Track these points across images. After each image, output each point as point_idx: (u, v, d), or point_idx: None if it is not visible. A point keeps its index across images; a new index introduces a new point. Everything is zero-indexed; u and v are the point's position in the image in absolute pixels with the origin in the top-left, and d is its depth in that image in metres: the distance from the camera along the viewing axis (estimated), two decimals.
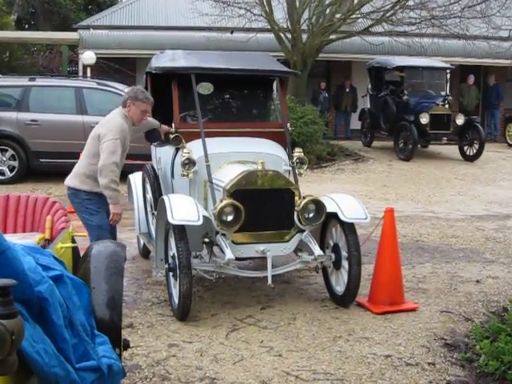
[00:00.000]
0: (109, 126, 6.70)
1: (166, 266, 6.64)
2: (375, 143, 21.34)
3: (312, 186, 13.26)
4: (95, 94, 14.58)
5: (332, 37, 20.93)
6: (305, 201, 6.61)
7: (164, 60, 7.78)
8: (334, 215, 6.66)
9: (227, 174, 6.68)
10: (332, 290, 7.03)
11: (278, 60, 8.92)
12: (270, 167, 6.67)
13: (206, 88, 7.50)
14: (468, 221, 11.34)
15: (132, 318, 6.44)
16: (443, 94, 19.59)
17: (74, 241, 4.87)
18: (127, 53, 22.55)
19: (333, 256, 6.86)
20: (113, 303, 3.88)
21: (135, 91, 6.89)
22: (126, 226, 10.24)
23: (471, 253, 9.24)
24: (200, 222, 6.26)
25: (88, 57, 20.84)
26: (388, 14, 20.27)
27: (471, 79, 22.85)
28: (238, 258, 6.75)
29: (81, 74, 22.27)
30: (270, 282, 6.47)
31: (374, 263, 7.08)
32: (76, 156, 12.12)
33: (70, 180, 6.92)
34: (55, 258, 3.62)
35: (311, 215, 6.66)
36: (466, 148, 18.97)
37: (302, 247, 6.92)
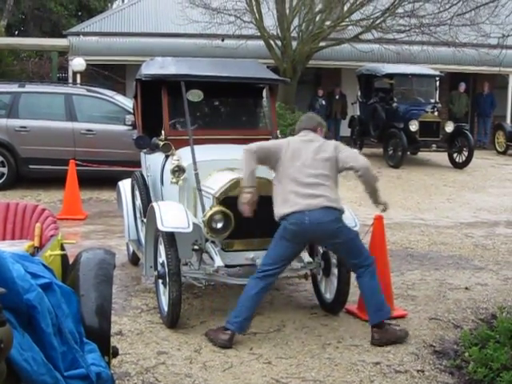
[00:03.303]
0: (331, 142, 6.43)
1: (156, 273, 6.63)
2: (365, 150, 21.32)
3: None
4: (85, 101, 14.55)
5: (322, 44, 21.03)
6: None
7: (154, 67, 7.78)
8: None
9: (217, 182, 6.68)
10: (321, 297, 7.03)
11: (267, 67, 8.95)
12: (259, 174, 6.67)
13: (195, 95, 7.49)
14: (457, 228, 11.37)
15: (121, 326, 6.43)
16: (432, 101, 19.66)
17: (63, 248, 4.86)
18: (117, 59, 22.56)
19: (322, 263, 6.87)
20: (102, 311, 3.87)
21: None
22: (115, 233, 10.25)
23: (460, 260, 9.26)
24: (190, 229, 6.26)
25: (78, 63, 20.80)
26: (378, 22, 20.39)
27: (462, 87, 22.93)
28: (227, 266, 6.74)
29: (70, 80, 22.25)
30: None
31: None
32: (65, 163, 12.31)
33: (337, 203, 6.18)
34: (44, 266, 3.61)
35: None
36: (455, 155, 19.04)
37: None
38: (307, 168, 6.09)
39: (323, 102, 23.17)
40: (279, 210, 6.08)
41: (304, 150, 6.19)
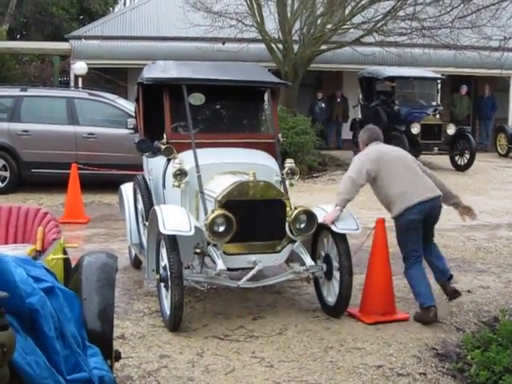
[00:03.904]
0: None
1: (158, 276, 6.63)
2: None
3: (303, 196, 13.26)
4: (87, 105, 14.58)
5: (323, 47, 21.00)
6: (296, 211, 6.61)
7: (155, 71, 7.79)
8: (326, 226, 6.68)
9: (219, 185, 6.69)
10: (323, 301, 7.03)
11: (269, 70, 8.95)
12: (261, 178, 6.69)
13: (197, 99, 7.50)
14: (459, 231, 11.35)
15: (123, 329, 6.43)
16: (434, 104, 19.66)
17: (65, 252, 4.87)
18: (119, 63, 22.57)
19: (324, 266, 6.87)
20: (104, 314, 3.88)
21: None
22: (117, 237, 10.25)
23: (462, 263, 9.25)
24: (192, 233, 6.26)
25: (79, 67, 20.83)
26: (379, 25, 20.34)
27: (464, 89, 22.96)
28: (229, 269, 6.74)
29: (72, 84, 22.26)
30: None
31: (365, 273, 7.08)
32: (67, 166, 12.31)
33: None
34: (46, 270, 3.62)
35: (303, 226, 6.66)
36: (457, 158, 19.03)
37: (293, 258, 6.92)
38: (412, 168, 7.01)
39: (323, 105, 23.22)
40: (402, 206, 6.76)
41: (397, 156, 7.16)
